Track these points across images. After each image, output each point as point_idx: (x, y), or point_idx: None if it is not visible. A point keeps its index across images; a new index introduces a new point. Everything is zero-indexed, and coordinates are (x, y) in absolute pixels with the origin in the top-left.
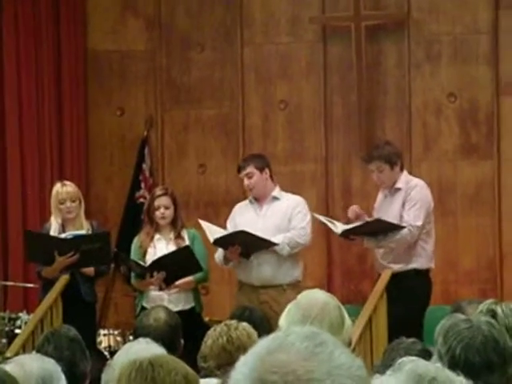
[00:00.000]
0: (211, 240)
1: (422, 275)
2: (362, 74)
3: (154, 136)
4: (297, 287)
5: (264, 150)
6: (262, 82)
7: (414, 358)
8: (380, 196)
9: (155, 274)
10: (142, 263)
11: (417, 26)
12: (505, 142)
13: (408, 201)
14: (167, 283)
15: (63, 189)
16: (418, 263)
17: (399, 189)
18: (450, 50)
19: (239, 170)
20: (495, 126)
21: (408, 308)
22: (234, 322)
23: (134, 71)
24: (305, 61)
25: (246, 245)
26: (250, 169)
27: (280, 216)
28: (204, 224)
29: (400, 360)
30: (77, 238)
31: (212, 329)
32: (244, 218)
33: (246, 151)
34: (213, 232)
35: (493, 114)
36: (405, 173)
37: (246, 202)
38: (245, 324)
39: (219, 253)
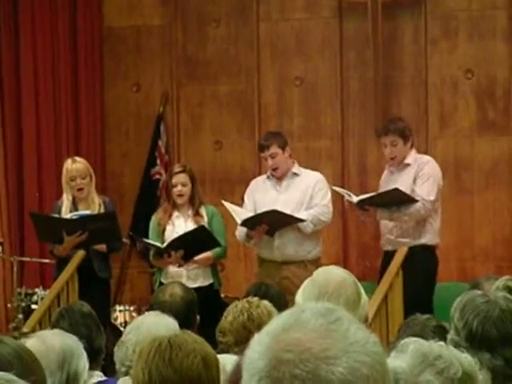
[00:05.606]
0: (238, 221)
1: (430, 251)
2: (379, 50)
3: (169, 112)
4: (316, 263)
5: (280, 126)
6: (277, 58)
7: (415, 338)
8: (386, 173)
9: (173, 253)
10: (158, 244)
11: (434, 1)
12: None
13: (421, 176)
14: (185, 260)
15: (73, 166)
16: (426, 239)
17: (408, 164)
18: (467, 26)
19: (262, 149)
20: None
21: (418, 283)
22: (255, 300)
23: (150, 47)
24: (321, 37)
25: (273, 223)
26: (274, 149)
27: (300, 191)
28: (228, 205)
29: (402, 341)
30: (83, 218)
31: (233, 304)
32: (263, 194)
33: (262, 128)
34: (238, 213)
35: (510, 91)
36: (413, 150)
37: (264, 177)
38: (266, 302)
39: (240, 230)
